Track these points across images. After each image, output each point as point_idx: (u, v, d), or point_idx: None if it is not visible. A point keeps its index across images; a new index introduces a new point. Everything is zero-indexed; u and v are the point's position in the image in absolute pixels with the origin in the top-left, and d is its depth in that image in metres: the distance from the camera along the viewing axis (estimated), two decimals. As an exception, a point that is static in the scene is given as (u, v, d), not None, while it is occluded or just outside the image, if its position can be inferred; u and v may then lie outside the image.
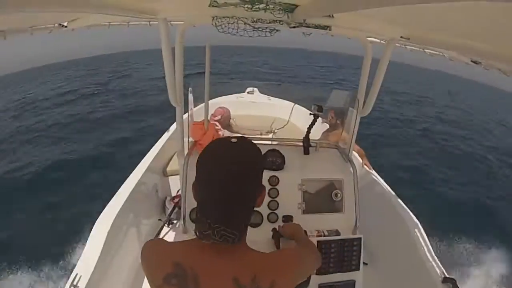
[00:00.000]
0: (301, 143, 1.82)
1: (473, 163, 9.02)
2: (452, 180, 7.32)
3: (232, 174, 0.65)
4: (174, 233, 2.46)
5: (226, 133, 3.42)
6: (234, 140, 0.71)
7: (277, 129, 3.93)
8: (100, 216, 1.88)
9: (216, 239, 0.66)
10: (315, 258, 1.03)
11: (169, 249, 0.74)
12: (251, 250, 0.75)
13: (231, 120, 3.53)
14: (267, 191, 1.56)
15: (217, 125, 3.24)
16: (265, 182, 1.55)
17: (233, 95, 4.87)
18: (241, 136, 0.75)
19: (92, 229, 1.77)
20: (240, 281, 0.66)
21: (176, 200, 2.72)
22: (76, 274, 1.46)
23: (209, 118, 1.82)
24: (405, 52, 2.08)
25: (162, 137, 3.26)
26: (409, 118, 13.15)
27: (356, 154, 2.94)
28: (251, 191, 0.70)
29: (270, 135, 3.60)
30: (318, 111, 1.76)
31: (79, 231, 3.75)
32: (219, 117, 3.32)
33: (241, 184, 0.67)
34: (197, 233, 0.69)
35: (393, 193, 2.48)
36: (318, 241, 1.40)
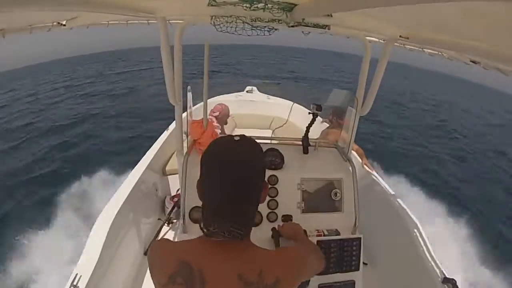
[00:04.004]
0: (300, 142, 1.82)
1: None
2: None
3: (240, 174, 0.68)
4: (174, 232, 2.46)
5: (225, 128, 3.43)
6: (237, 138, 0.73)
7: (276, 128, 3.93)
8: (99, 215, 1.87)
9: (225, 235, 0.68)
10: (318, 258, 1.03)
11: (175, 248, 0.75)
12: (255, 246, 0.76)
13: (229, 118, 3.54)
14: None
15: (213, 121, 3.25)
16: None
17: (232, 93, 4.87)
18: (243, 135, 0.76)
19: (92, 229, 1.77)
20: (246, 277, 0.67)
21: (175, 199, 2.72)
22: (76, 274, 1.46)
23: (208, 116, 1.81)
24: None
25: (161, 136, 3.26)
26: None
27: (355, 154, 2.95)
28: (257, 188, 0.73)
29: (269, 134, 3.60)
30: (317, 110, 1.76)
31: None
32: (217, 113, 3.33)
33: (248, 183, 0.70)
34: (205, 231, 0.71)
35: (393, 193, 2.48)
36: (318, 241, 1.40)
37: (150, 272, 0.74)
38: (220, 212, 0.69)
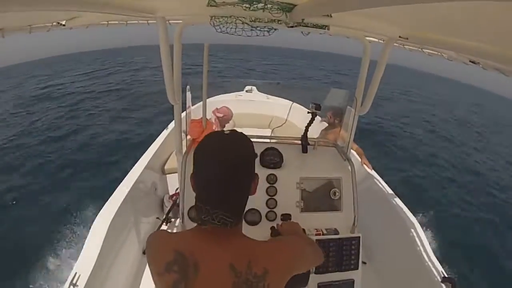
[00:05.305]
0: (299, 142, 1.82)
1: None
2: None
3: (226, 162, 0.70)
4: (173, 231, 2.46)
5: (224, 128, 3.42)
6: (227, 132, 0.76)
7: (275, 128, 3.94)
8: (99, 214, 1.88)
9: (215, 223, 0.71)
10: (314, 251, 1.03)
11: (170, 238, 0.78)
12: (247, 237, 0.78)
13: (230, 122, 3.53)
14: (265, 189, 1.57)
15: (212, 120, 3.25)
16: (263, 180, 1.55)
17: (231, 93, 4.88)
18: (232, 129, 0.79)
19: (91, 227, 1.77)
20: (236, 267, 0.69)
21: (174, 198, 2.73)
22: (76, 273, 1.47)
23: (208, 115, 1.82)
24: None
25: (161, 135, 3.27)
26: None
27: (355, 153, 2.96)
28: (245, 178, 0.75)
29: (269, 133, 3.61)
30: (316, 110, 1.76)
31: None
32: (222, 115, 3.32)
33: (235, 171, 0.71)
34: (198, 220, 0.74)
35: (392, 192, 2.49)
36: (317, 240, 1.41)
37: (148, 263, 0.76)
38: (211, 201, 0.71)
